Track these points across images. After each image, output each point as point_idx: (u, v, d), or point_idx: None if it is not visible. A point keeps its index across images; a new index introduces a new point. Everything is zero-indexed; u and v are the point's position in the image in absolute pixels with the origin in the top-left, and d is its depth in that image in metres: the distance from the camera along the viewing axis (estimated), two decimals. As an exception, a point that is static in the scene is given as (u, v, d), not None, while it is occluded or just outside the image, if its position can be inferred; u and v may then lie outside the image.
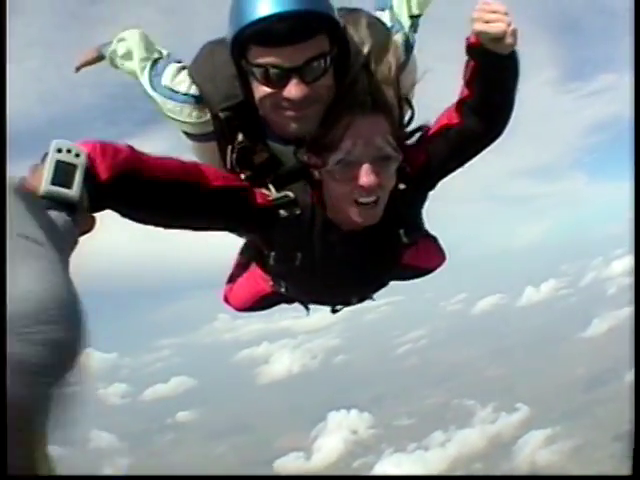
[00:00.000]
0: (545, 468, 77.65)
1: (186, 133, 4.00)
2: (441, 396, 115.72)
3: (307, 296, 4.77)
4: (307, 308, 5.00)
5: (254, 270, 4.90)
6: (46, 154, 2.59)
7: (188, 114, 3.86)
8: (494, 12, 3.24)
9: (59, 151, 2.59)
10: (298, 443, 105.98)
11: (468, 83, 3.55)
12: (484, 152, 3.85)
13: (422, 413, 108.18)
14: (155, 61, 4.24)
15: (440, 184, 3.98)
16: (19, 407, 1.38)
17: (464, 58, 3.51)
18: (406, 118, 3.72)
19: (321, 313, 4.96)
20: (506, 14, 3.23)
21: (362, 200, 3.47)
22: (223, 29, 3.51)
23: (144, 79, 4.20)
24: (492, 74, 3.45)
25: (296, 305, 5.05)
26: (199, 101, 3.81)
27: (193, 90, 3.84)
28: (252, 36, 3.31)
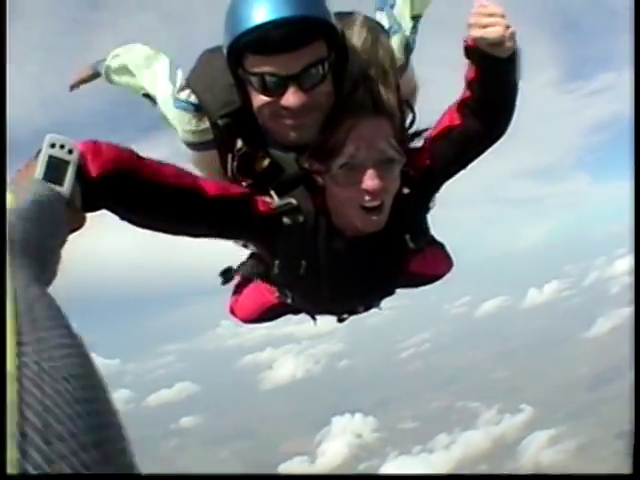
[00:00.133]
0: (549, 468, 77.68)
1: (187, 143, 3.95)
2: (445, 399, 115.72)
3: (313, 306, 4.66)
4: (314, 318, 4.92)
5: (260, 282, 4.80)
6: (41, 149, 2.59)
7: (187, 122, 3.84)
8: (491, 15, 3.19)
9: (52, 146, 2.59)
10: (302, 447, 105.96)
11: (469, 84, 3.49)
12: (485, 154, 3.78)
13: (426, 416, 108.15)
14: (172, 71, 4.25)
15: (442, 187, 3.95)
16: None
17: (465, 60, 3.43)
18: (407, 122, 3.66)
19: (324, 318, 4.92)
20: (503, 16, 3.17)
21: (367, 205, 3.40)
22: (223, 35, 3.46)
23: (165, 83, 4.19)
24: (492, 76, 3.39)
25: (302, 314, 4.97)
26: (198, 109, 3.81)
27: (192, 98, 3.82)
28: (248, 44, 3.26)
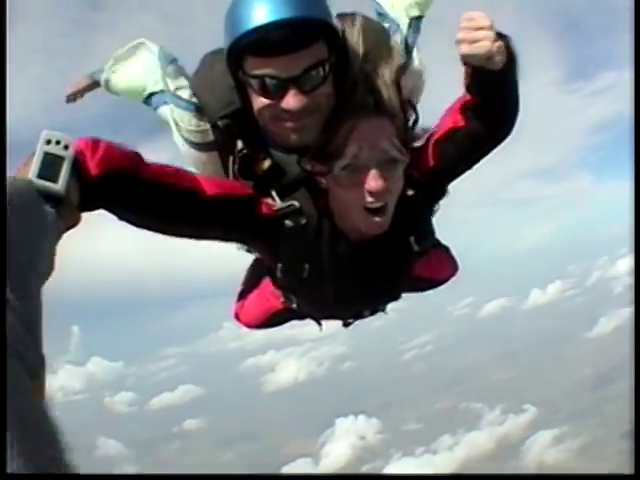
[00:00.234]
0: (553, 467, 77.56)
1: (188, 141, 3.96)
2: (449, 400, 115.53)
3: (318, 310, 4.65)
4: (319, 324, 4.92)
5: (265, 287, 4.83)
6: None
7: (188, 121, 3.83)
8: (478, 29, 3.14)
9: (48, 142, 2.60)
10: (306, 449, 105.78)
11: (467, 89, 3.47)
12: (488, 155, 3.80)
13: (430, 417, 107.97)
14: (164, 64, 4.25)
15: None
16: None
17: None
18: (411, 122, 3.62)
19: (327, 320, 4.91)
20: (491, 28, 3.12)
21: (370, 206, 3.39)
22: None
23: (156, 76, 4.20)
24: (488, 86, 3.36)
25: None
26: (198, 110, 3.80)
27: (194, 99, 3.82)
28: (247, 46, 3.26)
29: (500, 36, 3.16)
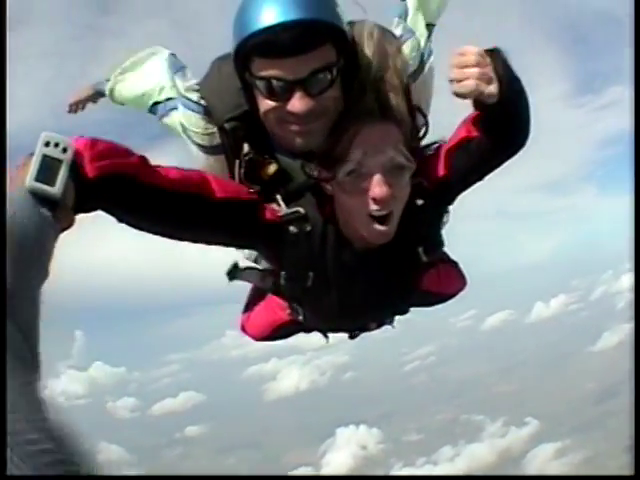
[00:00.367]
0: (555, 480, 77.78)
1: (196, 144, 3.91)
2: (450, 412, 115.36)
3: (324, 322, 4.59)
4: (326, 336, 4.89)
5: (271, 298, 4.75)
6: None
7: (195, 123, 3.80)
8: (463, 67, 3.08)
9: (47, 144, 2.59)
10: (307, 458, 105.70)
11: (475, 106, 3.36)
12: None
13: (431, 429, 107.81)
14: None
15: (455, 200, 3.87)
16: None
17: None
18: (421, 130, 3.57)
19: (334, 333, 4.89)
20: (477, 64, 3.06)
21: (375, 214, 3.32)
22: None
23: (161, 83, 4.18)
24: (492, 112, 3.28)
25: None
26: (205, 112, 3.78)
27: (202, 101, 3.80)
28: (254, 47, 3.23)
29: (496, 65, 3.10)
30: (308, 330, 4.89)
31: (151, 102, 4.31)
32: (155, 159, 3.19)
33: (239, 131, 3.66)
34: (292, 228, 3.55)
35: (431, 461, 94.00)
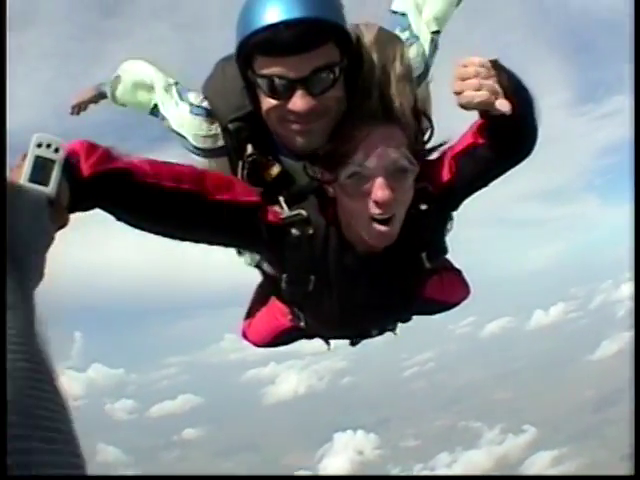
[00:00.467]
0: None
1: (198, 149, 3.88)
2: (448, 418, 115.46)
3: (325, 327, 4.51)
4: (328, 343, 4.85)
5: (273, 305, 4.72)
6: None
7: (198, 126, 3.78)
8: (465, 79, 3.02)
9: (39, 146, 2.60)
10: (304, 462, 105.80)
11: (481, 115, 3.27)
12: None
13: (429, 435, 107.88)
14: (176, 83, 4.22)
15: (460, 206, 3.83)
16: None
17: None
18: (426, 134, 3.51)
19: (335, 340, 4.88)
20: (477, 75, 2.99)
21: (377, 217, 3.26)
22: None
23: (170, 92, 4.16)
24: (497, 121, 3.16)
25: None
26: (209, 114, 3.76)
27: (205, 104, 3.78)
28: (257, 45, 3.20)
29: (501, 76, 3.04)
30: (310, 336, 4.84)
31: (152, 104, 4.31)
32: (157, 161, 3.18)
33: (243, 132, 3.63)
34: (294, 231, 3.52)
35: (428, 467, 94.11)
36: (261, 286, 4.82)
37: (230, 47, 3.41)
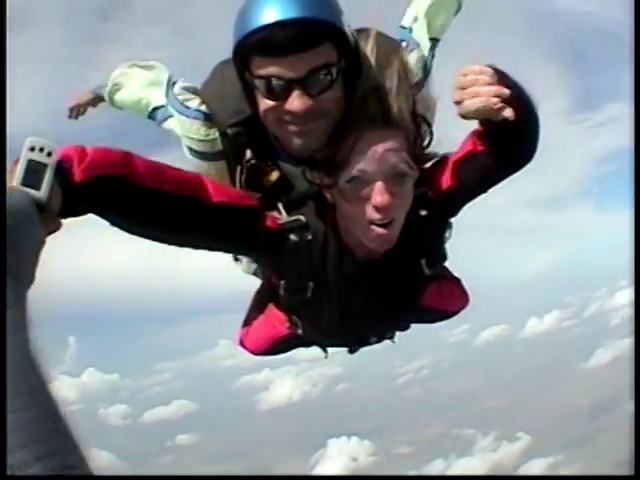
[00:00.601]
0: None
1: (195, 151, 3.88)
2: (442, 425, 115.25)
3: (324, 335, 4.53)
4: (325, 351, 4.86)
5: (270, 313, 4.72)
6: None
7: (196, 130, 3.77)
8: (462, 88, 3.07)
9: (32, 149, 2.61)
10: (298, 468, 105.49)
11: (481, 123, 3.34)
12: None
13: (423, 442, 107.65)
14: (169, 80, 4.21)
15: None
16: None
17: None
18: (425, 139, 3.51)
19: (333, 347, 4.87)
20: (475, 82, 3.04)
21: (376, 222, 3.30)
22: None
23: (161, 92, 4.16)
24: (499, 132, 3.25)
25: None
26: (207, 118, 3.76)
27: (203, 107, 3.78)
28: (253, 45, 3.22)
29: (504, 82, 3.07)
30: (307, 344, 4.86)
31: (150, 108, 4.30)
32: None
33: (242, 137, 3.65)
34: (293, 236, 3.54)
35: (422, 474, 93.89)
36: (259, 293, 4.82)
37: (228, 51, 3.42)
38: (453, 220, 3.88)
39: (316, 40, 3.20)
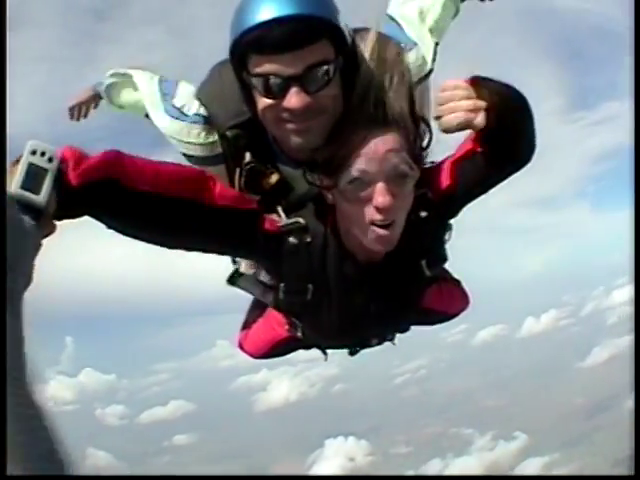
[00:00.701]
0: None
1: (194, 157, 3.85)
2: (439, 425, 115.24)
3: (324, 337, 4.52)
4: (325, 353, 4.85)
5: (269, 315, 4.74)
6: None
7: (196, 135, 3.74)
8: (441, 104, 3.12)
9: (33, 153, 2.61)
10: (295, 468, 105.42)
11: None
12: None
13: (420, 442, 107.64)
14: (160, 80, 4.20)
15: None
16: None
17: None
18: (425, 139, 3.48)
19: (334, 350, 4.86)
20: (451, 98, 3.09)
21: (378, 223, 3.28)
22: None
23: (154, 97, 4.14)
24: (493, 135, 3.26)
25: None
26: (207, 121, 3.75)
27: (202, 111, 3.77)
28: (250, 44, 3.22)
29: (482, 93, 3.10)
30: (307, 347, 4.85)
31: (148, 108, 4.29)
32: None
33: (241, 140, 3.64)
34: (292, 239, 3.52)
35: (419, 473, 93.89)
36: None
37: (225, 51, 3.42)
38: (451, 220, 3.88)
39: (313, 37, 3.20)
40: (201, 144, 3.78)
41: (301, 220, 3.52)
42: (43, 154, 2.63)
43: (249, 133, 3.62)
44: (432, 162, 3.64)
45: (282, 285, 3.78)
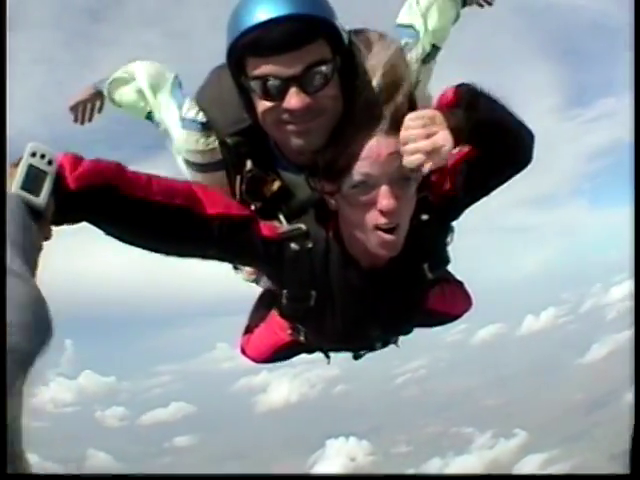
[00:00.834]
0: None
1: (194, 163, 3.86)
2: (440, 424, 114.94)
3: (327, 342, 4.54)
4: (328, 356, 4.86)
5: (272, 320, 4.71)
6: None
7: (195, 141, 3.73)
8: (405, 143, 3.08)
9: (33, 155, 2.63)
10: (296, 469, 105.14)
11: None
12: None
13: (420, 441, 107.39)
14: (173, 84, 4.18)
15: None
16: None
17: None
18: None
19: (337, 353, 4.85)
20: (412, 139, 3.06)
21: (382, 226, 3.29)
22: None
23: (166, 97, 4.14)
24: (481, 145, 3.32)
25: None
26: (206, 128, 3.74)
27: (200, 117, 3.76)
28: (247, 46, 3.24)
29: (451, 120, 3.09)
30: (309, 351, 4.86)
31: (149, 109, 4.28)
32: (150, 170, 3.16)
33: (242, 147, 3.64)
34: (293, 245, 3.53)
35: (420, 472, 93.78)
36: (260, 301, 4.80)
37: (222, 53, 3.42)
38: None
39: (310, 36, 3.22)
40: (200, 151, 3.77)
41: (302, 226, 3.54)
42: (43, 156, 2.64)
43: (250, 140, 3.61)
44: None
45: (285, 292, 3.79)
